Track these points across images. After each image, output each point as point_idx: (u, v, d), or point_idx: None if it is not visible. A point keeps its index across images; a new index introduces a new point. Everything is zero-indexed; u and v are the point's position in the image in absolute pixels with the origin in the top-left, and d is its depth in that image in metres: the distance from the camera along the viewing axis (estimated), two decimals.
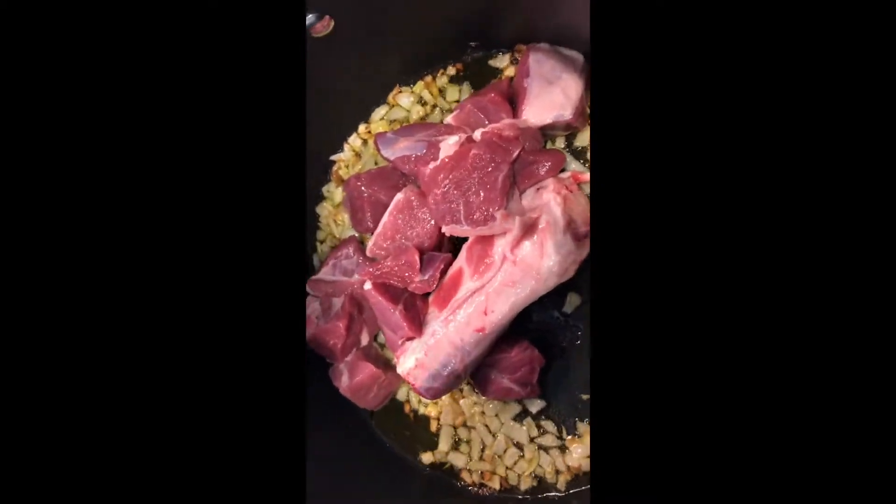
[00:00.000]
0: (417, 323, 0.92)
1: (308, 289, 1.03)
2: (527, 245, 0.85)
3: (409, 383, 0.91)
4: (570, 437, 0.98)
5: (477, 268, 0.88)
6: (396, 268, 0.92)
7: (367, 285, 0.95)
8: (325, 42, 0.93)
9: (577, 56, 0.97)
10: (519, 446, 0.99)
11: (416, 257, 0.90)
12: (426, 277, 0.91)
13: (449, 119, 1.00)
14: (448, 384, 0.91)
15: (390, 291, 0.93)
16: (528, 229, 0.85)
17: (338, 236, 1.10)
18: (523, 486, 0.98)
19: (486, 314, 0.87)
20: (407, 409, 1.03)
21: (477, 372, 0.94)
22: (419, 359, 0.90)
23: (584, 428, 0.98)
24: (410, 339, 0.93)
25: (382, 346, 1.05)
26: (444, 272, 0.93)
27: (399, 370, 0.92)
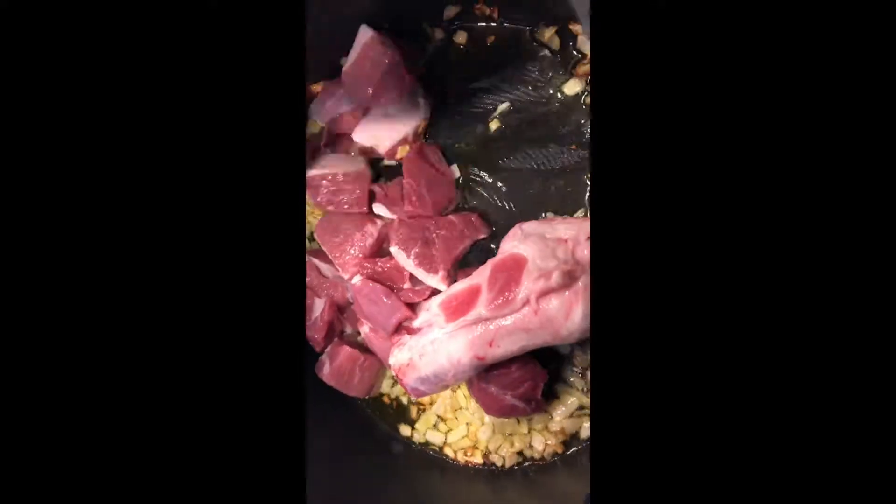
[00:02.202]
0: (412, 308, 0.90)
1: None
2: (554, 302, 0.76)
3: (396, 377, 0.89)
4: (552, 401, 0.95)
5: (496, 298, 0.80)
6: (386, 269, 0.86)
7: (357, 279, 0.89)
8: None
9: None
10: (508, 435, 0.97)
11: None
12: (417, 288, 0.84)
13: None
14: (434, 390, 0.88)
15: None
16: (562, 285, 0.75)
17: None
18: (508, 464, 0.97)
19: (490, 346, 0.81)
20: (386, 400, 1.01)
21: (476, 389, 0.90)
22: (413, 359, 0.86)
23: (562, 388, 0.94)
24: (410, 332, 0.89)
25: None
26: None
27: (391, 361, 0.88)
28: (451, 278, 0.91)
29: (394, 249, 0.92)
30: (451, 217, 0.93)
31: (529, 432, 0.94)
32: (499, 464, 0.96)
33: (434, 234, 0.92)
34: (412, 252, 0.90)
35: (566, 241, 0.79)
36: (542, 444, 0.94)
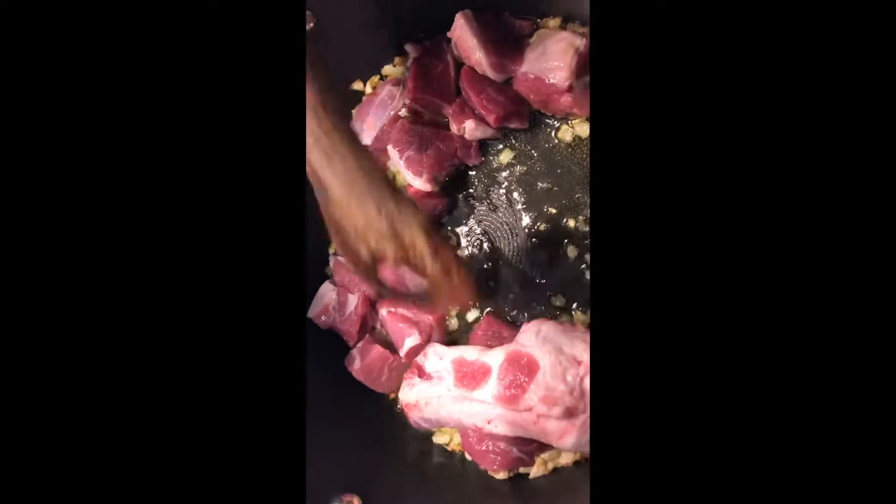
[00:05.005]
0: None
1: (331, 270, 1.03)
2: (553, 423, 0.80)
3: (403, 410, 0.97)
4: None
5: (504, 391, 0.83)
6: None
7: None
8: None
9: None
10: None
11: None
12: None
13: None
14: (437, 427, 0.97)
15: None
16: (561, 417, 0.79)
17: None
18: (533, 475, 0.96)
19: (489, 423, 0.87)
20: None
21: (476, 444, 0.94)
22: (420, 403, 0.93)
23: None
24: (420, 374, 0.95)
25: None
26: None
27: (400, 395, 0.96)
28: (436, 185, 1.00)
29: (389, 148, 0.99)
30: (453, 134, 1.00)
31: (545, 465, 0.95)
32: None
33: (429, 143, 0.99)
34: (405, 154, 0.98)
35: (580, 363, 0.80)
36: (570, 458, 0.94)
